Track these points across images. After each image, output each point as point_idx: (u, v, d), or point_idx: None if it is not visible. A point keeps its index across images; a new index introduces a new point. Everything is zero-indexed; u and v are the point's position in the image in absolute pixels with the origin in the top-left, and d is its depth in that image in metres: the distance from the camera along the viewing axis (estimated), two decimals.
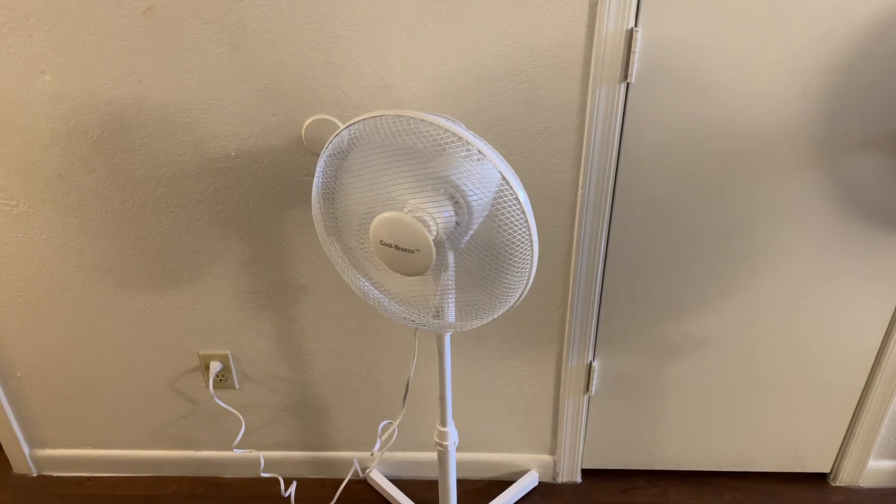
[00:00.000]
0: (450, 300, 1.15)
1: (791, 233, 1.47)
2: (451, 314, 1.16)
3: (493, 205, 1.01)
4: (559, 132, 1.36)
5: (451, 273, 1.11)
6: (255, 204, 1.46)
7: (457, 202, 1.01)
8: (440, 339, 1.27)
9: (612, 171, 1.39)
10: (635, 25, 1.24)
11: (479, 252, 1.07)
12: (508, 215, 1.00)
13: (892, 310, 1.57)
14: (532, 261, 1.04)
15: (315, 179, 1.11)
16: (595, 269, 1.51)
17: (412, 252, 1.02)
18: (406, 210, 1.02)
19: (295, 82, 1.31)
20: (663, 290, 1.56)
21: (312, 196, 1.14)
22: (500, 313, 1.13)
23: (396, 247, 1.03)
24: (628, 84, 1.30)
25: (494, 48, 1.27)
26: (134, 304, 1.61)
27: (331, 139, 1.05)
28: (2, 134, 1.40)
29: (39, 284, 1.59)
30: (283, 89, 1.32)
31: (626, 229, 1.48)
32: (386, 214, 1.01)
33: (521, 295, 1.09)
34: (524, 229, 1.01)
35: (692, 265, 1.52)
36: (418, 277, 1.13)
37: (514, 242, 1.02)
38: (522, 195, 0.99)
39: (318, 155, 1.39)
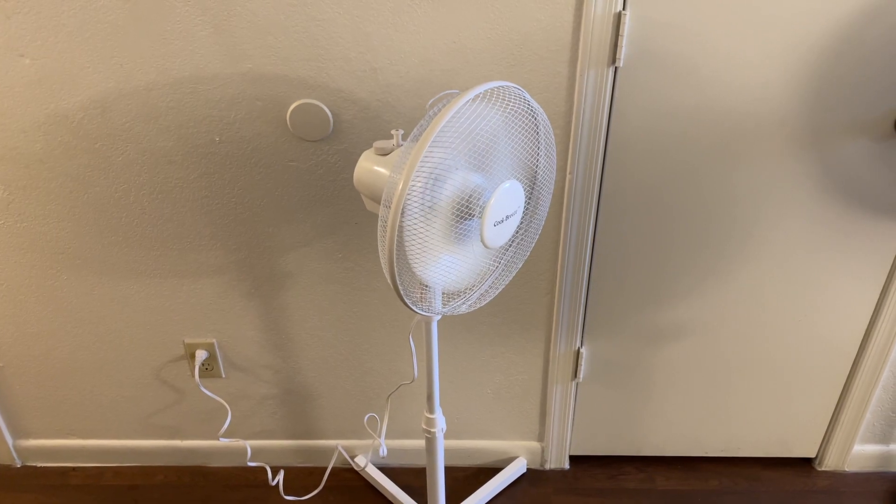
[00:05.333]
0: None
1: (777, 219, 1.47)
2: (438, 299, 1.15)
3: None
4: (548, 117, 1.35)
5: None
6: (239, 190, 1.45)
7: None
8: (428, 325, 1.26)
9: (601, 156, 1.39)
10: (623, 8, 1.23)
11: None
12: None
13: (877, 294, 1.57)
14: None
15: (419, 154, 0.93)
16: (583, 255, 1.51)
17: (511, 215, 1.04)
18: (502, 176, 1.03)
19: (280, 66, 1.30)
20: (651, 277, 1.55)
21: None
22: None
23: (506, 217, 1.03)
24: (616, 68, 1.30)
25: (482, 31, 1.26)
26: (118, 293, 1.59)
27: (455, 108, 0.92)
28: None
29: (21, 272, 1.57)
30: (267, 73, 1.30)
31: (613, 215, 1.47)
32: (504, 188, 1.00)
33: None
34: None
35: (679, 251, 1.52)
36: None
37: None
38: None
39: (303, 139, 1.37)
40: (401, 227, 0.94)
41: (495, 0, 1.23)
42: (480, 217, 1.01)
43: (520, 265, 1.20)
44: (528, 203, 1.14)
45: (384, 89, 1.32)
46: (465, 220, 1.01)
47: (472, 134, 0.96)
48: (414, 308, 1.05)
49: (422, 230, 0.96)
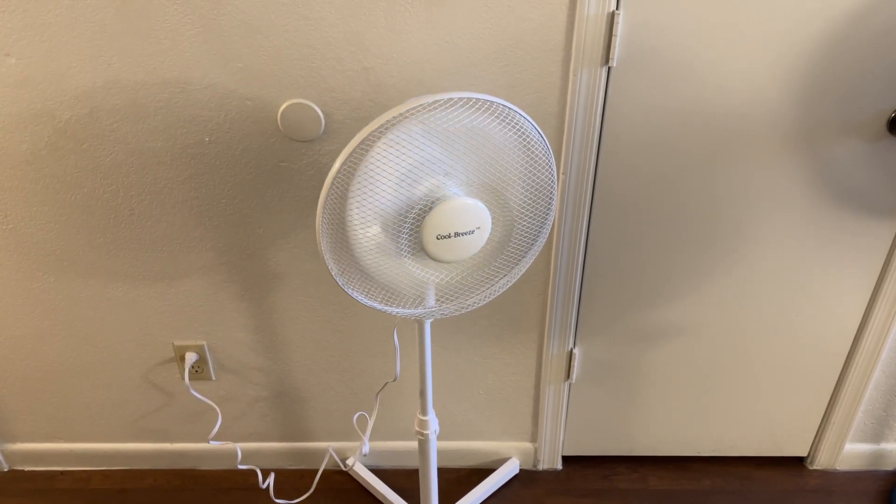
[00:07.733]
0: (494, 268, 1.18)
1: (770, 219, 1.47)
2: (431, 298, 1.14)
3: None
4: (540, 117, 1.34)
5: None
6: (229, 191, 1.43)
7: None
8: (421, 326, 1.25)
9: (594, 156, 1.38)
10: (617, 8, 1.22)
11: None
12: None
13: (869, 295, 1.58)
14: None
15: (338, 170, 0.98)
16: (576, 255, 1.50)
17: (465, 234, 1.03)
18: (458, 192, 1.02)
19: (270, 65, 1.28)
20: (643, 277, 1.55)
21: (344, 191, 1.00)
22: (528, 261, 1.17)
23: (454, 234, 1.02)
24: (609, 68, 1.29)
25: (474, 31, 1.25)
26: (106, 295, 1.58)
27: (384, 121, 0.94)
28: None
29: (7, 274, 1.55)
30: (258, 73, 1.29)
31: (606, 216, 1.47)
32: (453, 203, 0.99)
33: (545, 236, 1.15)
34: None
35: (672, 252, 1.51)
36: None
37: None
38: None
39: (294, 140, 1.36)
40: (345, 185, 0.95)
41: (488, 0, 1.22)
42: (419, 223, 1.00)
43: (497, 288, 1.19)
44: (512, 229, 1.13)
45: (376, 89, 1.31)
46: (408, 218, 1.02)
47: (439, 136, 0.96)
48: (335, 274, 1.05)
49: (362, 197, 0.96)
